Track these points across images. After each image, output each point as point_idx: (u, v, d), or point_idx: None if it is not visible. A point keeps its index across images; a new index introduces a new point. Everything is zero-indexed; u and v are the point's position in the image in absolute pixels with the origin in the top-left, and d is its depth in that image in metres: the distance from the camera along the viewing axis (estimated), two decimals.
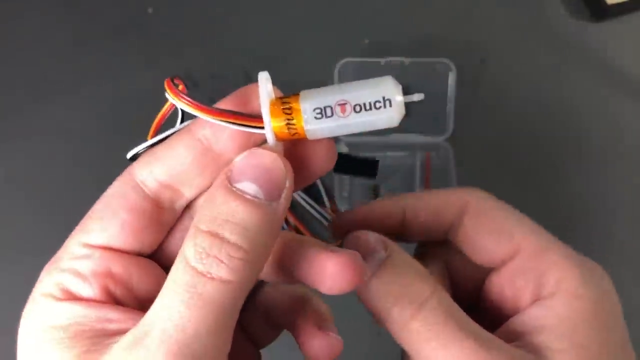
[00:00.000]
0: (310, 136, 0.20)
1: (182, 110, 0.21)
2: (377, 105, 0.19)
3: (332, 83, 0.54)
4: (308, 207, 0.53)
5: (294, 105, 0.19)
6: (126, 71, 0.60)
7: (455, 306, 0.23)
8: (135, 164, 0.22)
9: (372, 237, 0.24)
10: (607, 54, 0.61)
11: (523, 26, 0.63)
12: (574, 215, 0.55)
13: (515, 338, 0.23)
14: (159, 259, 0.24)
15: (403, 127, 0.56)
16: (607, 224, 0.54)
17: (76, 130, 0.58)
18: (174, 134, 0.22)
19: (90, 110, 0.59)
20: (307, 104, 0.19)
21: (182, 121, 0.22)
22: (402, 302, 0.22)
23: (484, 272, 0.27)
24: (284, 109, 0.19)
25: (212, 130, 0.21)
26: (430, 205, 0.26)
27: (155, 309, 0.19)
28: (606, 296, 0.23)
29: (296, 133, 0.20)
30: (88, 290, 0.21)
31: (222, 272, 0.19)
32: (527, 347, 0.22)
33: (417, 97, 0.21)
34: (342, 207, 0.53)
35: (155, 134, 0.23)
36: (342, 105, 0.19)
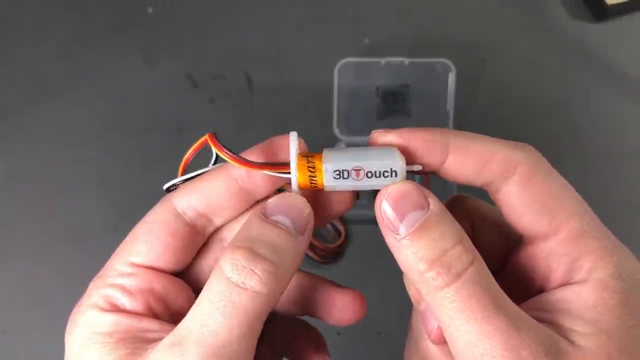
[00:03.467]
0: (327, 189, 0.24)
1: (214, 161, 0.26)
2: (385, 174, 0.24)
3: (332, 83, 0.54)
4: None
5: (317, 164, 0.24)
6: (126, 71, 0.60)
7: (492, 278, 0.22)
8: (175, 195, 0.26)
9: (414, 190, 0.23)
10: (607, 54, 0.61)
11: (523, 26, 0.63)
12: None
13: (538, 316, 0.23)
14: (186, 278, 0.27)
15: (403, 127, 0.56)
16: (607, 224, 0.54)
17: (76, 130, 0.58)
18: (211, 171, 0.26)
19: (90, 110, 0.59)
20: (329, 166, 0.24)
21: (214, 162, 0.26)
22: (438, 267, 0.22)
23: (513, 240, 0.26)
24: (308, 167, 0.24)
25: (247, 172, 0.25)
26: (477, 151, 0.24)
27: (191, 315, 0.22)
28: (636, 290, 0.23)
29: (316, 186, 0.24)
30: (132, 304, 0.24)
31: (255, 283, 0.22)
32: (550, 326, 0.22)
33: (416, 167, 0.24)
34: None
35: (185, 168, 0.26)
36: (357, 170, 0.24)
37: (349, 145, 0.55)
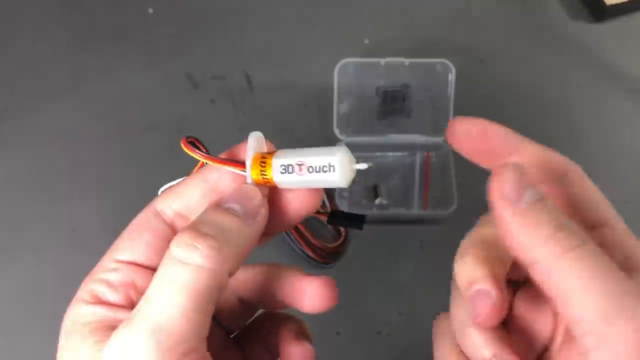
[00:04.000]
0: (278, 185, 0.26)
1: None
2: (324, 169, 0.25)
3: (332, 83, 0.54)
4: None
5: (268, 160, 0.26)
6: (126, 71, 0.60)
7: (608, 256, 0.22)
8: (158, 199, 0.27)
9: (526, 171, 0.24)
10: (607, 54, 0.61)
11: (523, 27, 0.63)
12: None
13: None
14: None
15: (403, 127, 0.56)
16: None
17: (76, 130, 0.58)
18: (190, 176, 0.28)
19: (90, 111, 0.59)
20: (276, 161, 0.25)
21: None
22: (556, 239, 0.22)
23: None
24: (261, 162, 0.26)
25: (218, 175, 0.27)
26: (537, 152, 0.27)
27: (142, 299, 0.23)
28: None
29: (268, 182, 0.26)
30: (114, 296, 0.25)
31: (196, 258, 0.23)
32: None
33: (361, 166, 0.25)
34: (342, 207, 0.53)
35: None
36: (300, 165, 0.25)
37: (350, 145, 0.55)
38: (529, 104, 0.60)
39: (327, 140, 0.55)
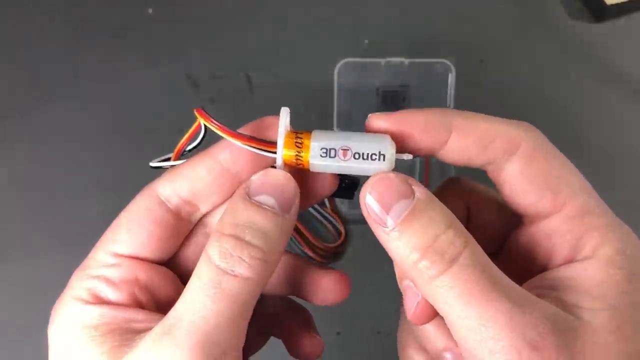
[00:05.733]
0: (311, 169, 0.23)
1: (203, 135, 0.25)
2: (373, 157, 0.23)
3: (332, 83, 0.54)
4: (308, 207, 0.53)
5: (305, 141, 0.23)
6: (126, 71, 0.60)
7: (488, 259, 0.22)
8: (158, 181, 0.25)
9: (397, 180, 0.22)
10: (607, 54, 0.61)
11: (523, 26, 0.63)
12: None
13: (542, 294, 0.22)
14: (172, 266, 0.26)
15: None
16: None
17: (76, 130, 0.58)
18: (195, 156, 0.25)
19: (90, 110, 0.59)
20: (317, 143, 0.23)
21: (202, 138, 0.25)
22: (430, 255, 0.21)
23: (511, 221, 0.26)
24: (296, 142, 0.23)
25: (231, 154, 0.24)
26: (480, 130, 0.24)
27: (181, 304, 0.22)
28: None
29: (301, 164, 0.23)
30: (116, 295, 0.24)
31: (243, 270, 0.21)
32: (556, 304, 0.22)
33: (406, 156, 0.24)
34: (342, 207, 0.53)
35: (180, 154, 0.25)
36: (345, 150, 0.23)
37: None
38: (529, 104, 0.60)
39: None
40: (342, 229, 0.53)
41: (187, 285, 0.22)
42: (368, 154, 0.23)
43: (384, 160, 0.23)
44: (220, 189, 0.25)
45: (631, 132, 0.59)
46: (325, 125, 0.55)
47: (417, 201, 0.22)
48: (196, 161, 0.25)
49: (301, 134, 0.23)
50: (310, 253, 0.51)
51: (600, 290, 0.22)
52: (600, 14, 0.62)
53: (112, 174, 0.55)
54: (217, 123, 0.23)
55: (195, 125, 0.24)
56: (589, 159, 0.57)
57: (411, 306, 0.24)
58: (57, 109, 0.59)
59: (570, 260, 0.23)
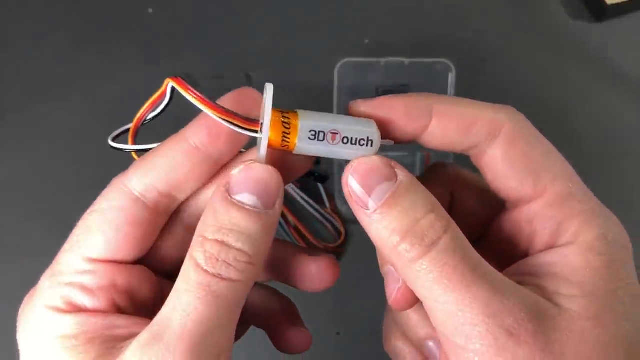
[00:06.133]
0: (297, 152, 0.22)
1: (167, 102, 0.23)
2: (362, 142, 0.22)
3: (332, 83, 0.54)
4: (308, 207, 0.53)
5: (293, 121, 0.22)
6: (126, 71, 0.60)
7: (468, 245, 0.21)
8: (129, 175, 0.24)
9: (380, 162, 0.22)
10: (607, 54, 0.61)
11: (523, 26, 0.63)
12: None
13: (522, 280, 0.22)
14: (147, 262, 0.25)
15: None
16: None
17: (76, 130, 0.58)
18: (167, 142, 0.24)
19: (90, 110, 0.59)
20: (305, 124, 0.22)
21: (163, 110, 0.23)
22: (410, 238, 0.21)
23: (494, 206, 0.26)
24: (283, 122, 0.22)
25: (209, 137, 0.23)
26: (462, 114, 0.23)
27: (169, 307, 0.21)
28: (621, 252, 0.22)
29: (287, 146, 0.22)
30: (94, 302, 0.22)
31: (231, 273, 0.21)
32: (536, 290, 0.22)
33: (387, 142, 0.24)
34: (342, 207, 0.53)
35: (138, 126, 0.24)
36: (334, 134, 0.22)
37: None
38: (529, 104, 0.59)
39: None
40: (342, 229, 0.53)
41: (173, 289, 0.21)
42: (357, 139, 0.22)
43: (371, 146, 0.23)
44: (199, 175, 0.24)
45: (631, 132, 0.59)
46: None
47: (400, 184, 0.21)
48: (170, 148, 0.24)
49: (287, 113, 0.22)
50: None
51: (578, 277, 0.22)
52: (600, 14, 0.62)
53: (112, 174, 0.55)
54: (196, 93, 0.22)
55: (160, 91, 0.23)
56: (589, 159, 0.57)
57: (392, 292, 0.24)
58: (57, 109, 0.59)
59: (551, 246, 0.23)
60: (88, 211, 0.24)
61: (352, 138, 0.22)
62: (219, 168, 0.24)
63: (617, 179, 0.57)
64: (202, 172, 0.24)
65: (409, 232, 0.21)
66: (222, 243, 0.21)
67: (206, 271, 0.21)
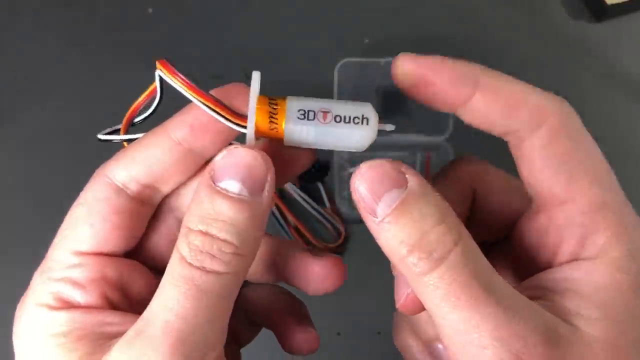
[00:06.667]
0: (287, 136, 0.21)
1: (158, 101, 0.22)
2: (356, 120, 0.21)
3: (332, 83, 0.54)
4: (308, 207, 0.53)
5: (280, 103, 0.21)
6: (126, 71, 0.60)
7: (481, 258, 0.20)
8: (111, 166, 0.23)
9: (389, 167, 0.21)
10: (607, 54, 0.61)
11: (523, 26, 0.63)
12: None
13: (542, 295, 0.21)
14: (139, 257, 0.25)
15: (403, 127, 0.56)
16: None
17: (75, 130, 0.58)
18: (149, 135, 0.23)
19: (90, 110, 0.59)
20: (294, 104, 0.21)
21: (154, 111, 0.22)
22: (419, 250, 0.20)
23: (520, 207, 0.24)
24: (270, 103, 0.21)
25: (191, 132, 0.22)
26: (509, 94, 0.22)
27: (155, 303, 0.20)
28: None
29: (275, 129, 0.21)
30: (86, 297, 0.22)
31: (215, 265, 0.20)
32: (554, 308, 0.20)
33: (388, 127, 0.22)
34: (342, 207, 0.53)
35: (131, 119, 0.23)
36: (325, 112, 0.21)
37: None
38: None
39: None
40: (342, 229, 0.53)
41: (160, 283, 0.21)
42: (350, 116, 0.21)
43: (367, 124, 0.21)
44: (182, 169, 0.23)
45: (631, 132, 0.59)
46: None
47: (409, 192, 0.20)
48: (150, 141, 0.23)
49: (275, 98, 0.21)
50: None
51: (602, 297, 0.20)
52: (600, 14, 0.62)
53: None
54: (183, 78, 0.21)
55: (150, 88, 0.22)
56: None
57: (401, 296, 0.23)
58: (57, 109, 0.59)
59: (576, 257, 0.21)
60: (74, 205, 0.23)
61: (345, 116, 0.21)
62: (204, 162, 0.23)
63: (617, 179, 0.57)
64: (185, 166, 0.23)
65: (417, 244, 0.20)
66: (206, 234, 0.20)
67: (190, 264, 0.20)
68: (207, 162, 0.23)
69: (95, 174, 0.23)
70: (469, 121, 0.23)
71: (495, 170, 0.26)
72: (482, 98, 0.22)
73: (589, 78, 0.60)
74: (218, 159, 0.21)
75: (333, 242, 0.53)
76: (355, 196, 0.21)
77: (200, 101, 0.21)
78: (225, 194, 0.20)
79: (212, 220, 0.20)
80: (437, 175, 0.26)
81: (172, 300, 0.20)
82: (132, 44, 0.62)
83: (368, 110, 0.21)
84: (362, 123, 0.21)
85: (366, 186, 0.21)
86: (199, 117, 0.22)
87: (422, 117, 0.56)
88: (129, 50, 0.61)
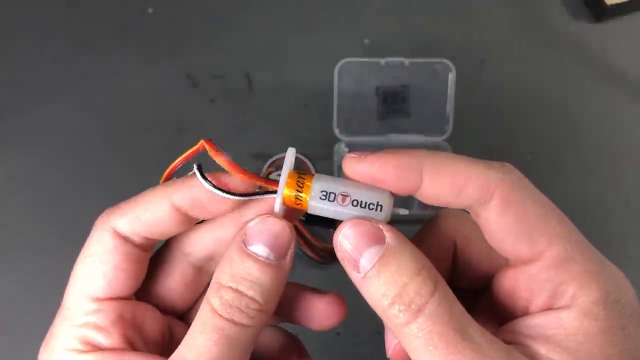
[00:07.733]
0: (309, 210, 0.24)
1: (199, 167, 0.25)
2: (371, 206, 0.24)
3: (332, 83, 0.54)
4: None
5: (307, 182, 0.24)
6: (126, 71, 0.60)
7: (457, 306, 0.22)
8: (116, 218, 0.25)
9: (369, 225, 0.23)
10: (607, 54, 0.61)
11: (523, 26, 0.63)
12: (574, 215, 0.55)
13: (517, 340, 0.23)
14: (148, 297, 0.27)
15: (403, 127, 0.56)
16: (607, 224, 0.54)
17: (76, 130, 0.58)
18: (151, 195, 0.25)
19: (90, 110, 0.59)
20: (317, 185, 0.24)
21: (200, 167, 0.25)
22: (399, 302, 0.22)
23: (499, 259, 0.26)
24: (298, 182, 0.24)
25: (191, 206, 0.25)
26: (452, 174, 0.23)
27: (185, 347, 0.23)
28: (620, 315, 0.22)
29: (300, 204, 0.24)
30: (108, 340, 0.24)
31: (243, 319, 0.23)
32: (528, 353, 0.22)
33: (402, 211, 0.24)
34: None
35: (170, 176, 0.26)
36: (344, 196, 0.24)
37: (348, 144, 0.55)
38: (529, 104, 0.60)
39: (327, 139, 0.55)
40: None
41: (190, 330, 0.23)
42: (366, 202, 0.24)
43: (381, 210, 0.24)
44: (179, 228, 0.26)
45: (631, 132, 0.59)
46: (325, 124, 0.55)
47: (387, 247, 0.22)
48: (153, 201, 0.25)
49: (304, 175, 0.24)
50: (310, 253, 0.51)
51: (573, 342, 0.22)
52: (600, 14, 0.62)
53: (112, 174, 0.55)
54: (227, 159, 0.24)
55: (194, 148, 0.25)
56: (589, 159, 0.57)
57: (390, 345, 0.26)
58: (57, 109, 0.59)
59: (549, 308, 0.23)
60: (83, 255, 0.26)
61: (361, 201, 0.24)
62: (199, 221, 0.27)
63: (617, 179, 0.57)
64: (181, 226, 0.26)
65: (397, 297, 0.22)
66: (236, 290, 0.23)
67: (221, 315, 0.23)
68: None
69: (99, 223, 0.26)
70: (429, 203, 0.24)
71: (474, 223, 0.26)
72: (430, 183, 0.23)
73: (589, 78, 0.60)
74: (251, 225, 0.24)
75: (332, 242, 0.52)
76: (339, 254, 0.24)
77: (243, 179, 0.24)
78: (255, 257, 0.23)
79: (242, 279, 0.23)
80: (420, 230, 0.28)
81: (203, 346, 0.22)
82: (132, 44, 0.62)
83: (384, 197, 0.24)
84: (376, 209, 0.24)
85: (349, 243, 0.23)
86: (200, 195, 0.25)
87: (422, 117, 0.56)
88: (129, 50, 0.61)
